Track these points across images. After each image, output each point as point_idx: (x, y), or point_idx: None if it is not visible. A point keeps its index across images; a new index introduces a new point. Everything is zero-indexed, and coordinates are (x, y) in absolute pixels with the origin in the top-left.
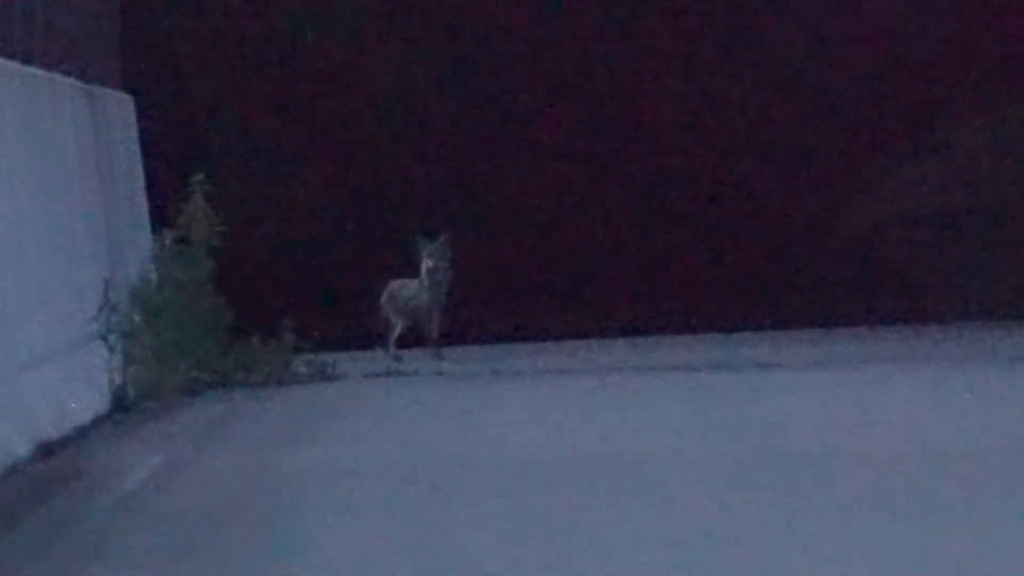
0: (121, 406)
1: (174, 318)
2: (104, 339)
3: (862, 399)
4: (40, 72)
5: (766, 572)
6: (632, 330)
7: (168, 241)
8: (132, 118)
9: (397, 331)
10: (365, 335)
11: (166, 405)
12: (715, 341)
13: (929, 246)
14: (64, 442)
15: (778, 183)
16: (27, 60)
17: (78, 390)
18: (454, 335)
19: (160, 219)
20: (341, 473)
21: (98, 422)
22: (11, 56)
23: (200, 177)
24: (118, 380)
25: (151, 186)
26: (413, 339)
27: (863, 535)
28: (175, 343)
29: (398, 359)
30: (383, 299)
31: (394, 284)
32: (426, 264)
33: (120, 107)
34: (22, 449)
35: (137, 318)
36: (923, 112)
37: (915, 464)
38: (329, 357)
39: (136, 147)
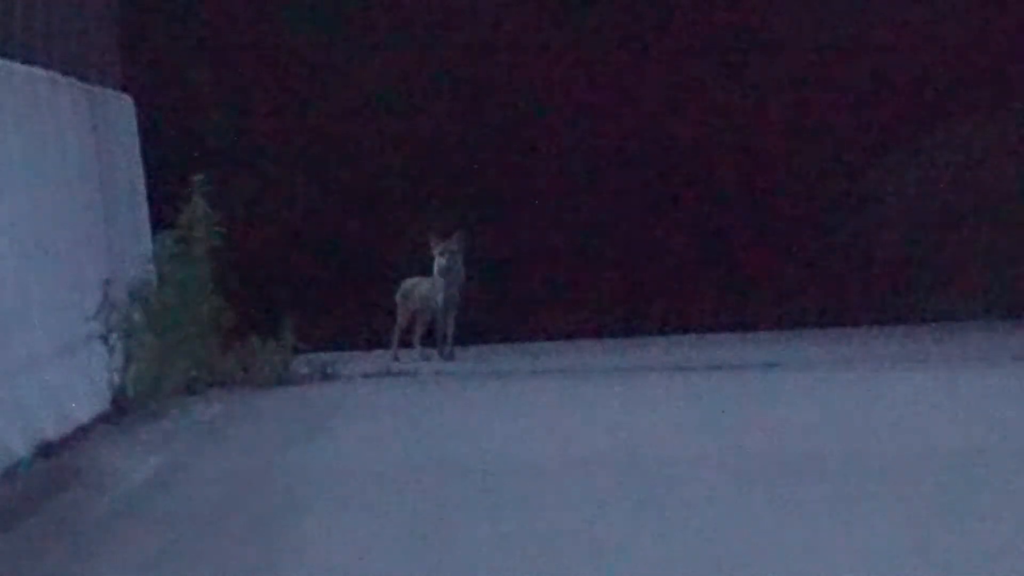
0: (121, 406)
1: (174, 318)
2: (104, 339)
3: (865, 398)
4: (40, 71)
5: (770, 568)
6: (630, 331)
7: (168, 242)
8: (132, 119)
9: (400, 330)
10: (365, 334)
11: (166, 405)
12: (716, 341)
13: (927, 246)
14: (64, 442)
15: (775, 184)
16: (27, 60)
17: (78, 390)
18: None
19: (160, 220)
20: (340, 472)
21: (98, 422)
22: (11, 56)
23: (200, 178)
24: (118, 380)
25: (151, 187)
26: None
27: (867, 532)
28: (175, 343)
29: (397, 358)
30: (397, 297)
31: (407, 283)
32: (439, 263)
33: (120, 108)
34: (22, 449)
35: (137, 317)
36: (919, 113)
37: (918, 462)
38: (328, 357)
39: (136, 147)
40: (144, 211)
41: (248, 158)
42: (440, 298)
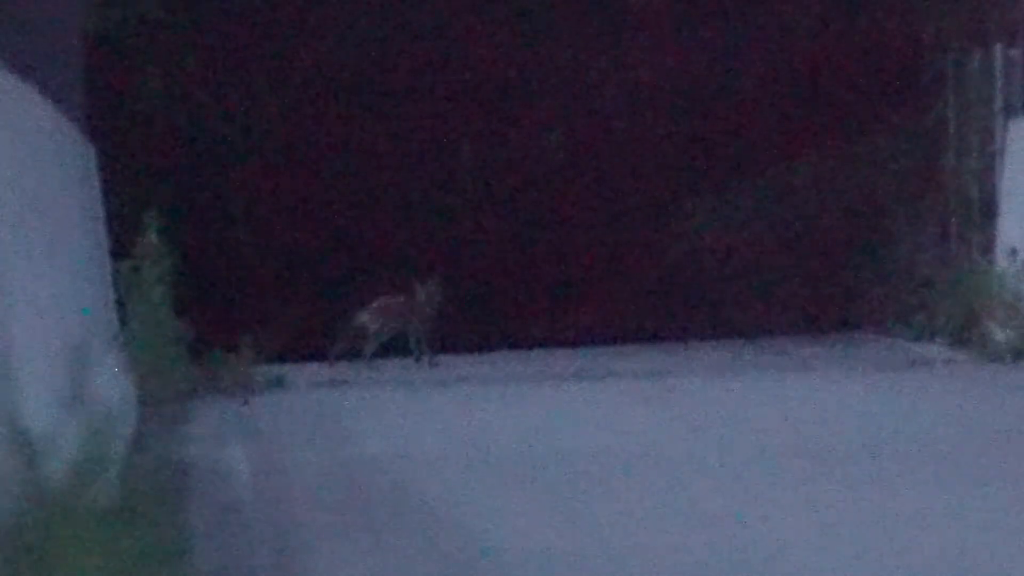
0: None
1: (140, 338)
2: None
3: (771, 398)
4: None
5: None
6: (588, 340)
7: (123, 271)
8: (94, 161)
9: (374, 342)
10: (313, 347)
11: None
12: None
13: (746, 269)
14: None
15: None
16: None
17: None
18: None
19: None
20: (280, 469)
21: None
22: None
23: (152, 213)
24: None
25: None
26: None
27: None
28: (145, 359)
29: (374, 368)
30: (369, 313)
31: (383, 299)
32: (420, 296)
33: (87, 151)
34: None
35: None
36: (743, 153)
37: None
38: (280, 368)
39: (98, 187)
40: (105, 243)
41: (205, 182)
42: (415, 322)
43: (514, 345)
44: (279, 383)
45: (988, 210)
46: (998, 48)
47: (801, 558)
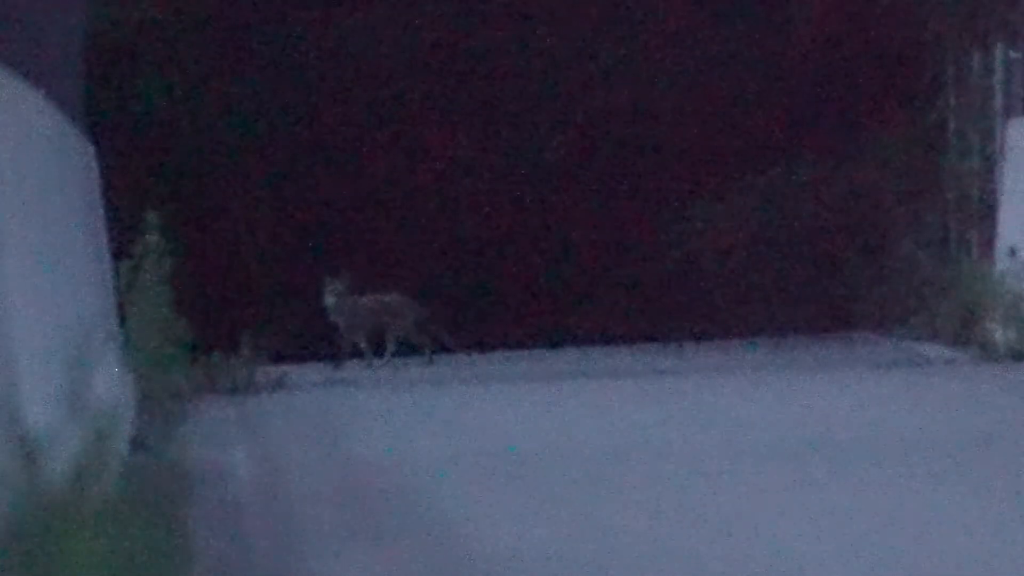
0: None
1: (140, 338)
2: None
3: (776, 396)
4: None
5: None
6: (588, 340)
7: (123, 271)
8: (94, 163)
9: (349, 339)
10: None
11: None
12: (594, 351)
13: (751, 270)
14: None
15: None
16: None
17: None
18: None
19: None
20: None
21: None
22: None
23: (153, 214)
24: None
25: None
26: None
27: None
28: (145, 359)
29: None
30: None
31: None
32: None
33: (86, 150)
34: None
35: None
36: (747, 155)
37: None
38: (280, 368)
39: (97, 188)
40: (105, 243)
41: (204, 181)
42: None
43: (514, 345)
44: (279, 383)
45: (988, 210)
46: (998, 48)
47: (801, 558)
